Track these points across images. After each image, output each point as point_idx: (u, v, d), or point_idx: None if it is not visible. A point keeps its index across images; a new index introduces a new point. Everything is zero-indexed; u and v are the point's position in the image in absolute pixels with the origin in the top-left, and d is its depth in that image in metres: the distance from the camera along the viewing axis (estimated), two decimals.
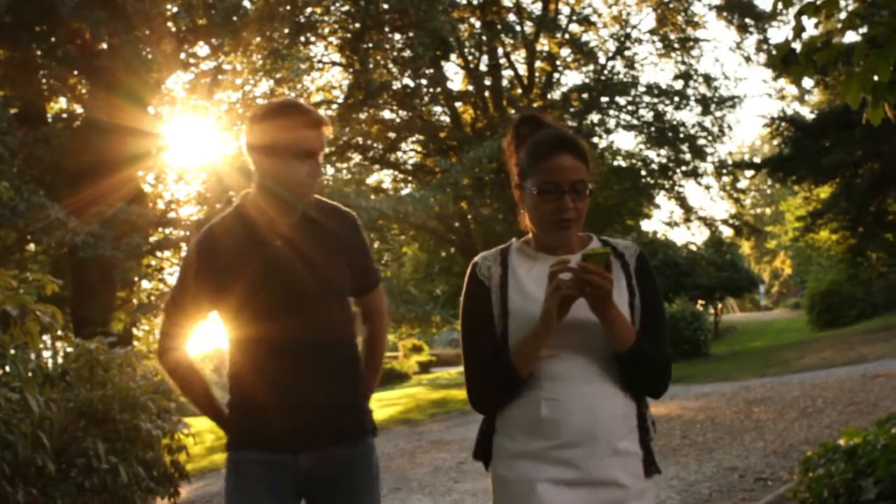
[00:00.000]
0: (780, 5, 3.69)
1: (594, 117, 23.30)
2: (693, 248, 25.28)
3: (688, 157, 23.48)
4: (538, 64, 23.13)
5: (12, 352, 3.64)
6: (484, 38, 21.86)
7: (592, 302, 1.95)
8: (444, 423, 12.92)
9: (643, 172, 23.89)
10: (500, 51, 22.64)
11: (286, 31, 17.05)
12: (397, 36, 20.37)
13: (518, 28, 22.50)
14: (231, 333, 2.43)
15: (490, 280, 2.09)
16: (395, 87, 21.27)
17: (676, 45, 23.36)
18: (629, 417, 2.03)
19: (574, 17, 22.83)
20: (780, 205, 42.03)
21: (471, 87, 22.83)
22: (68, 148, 13.24)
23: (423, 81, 21.22)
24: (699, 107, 23.47)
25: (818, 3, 3.56)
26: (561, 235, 2.05)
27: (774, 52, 19.94)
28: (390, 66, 21.08)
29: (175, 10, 14.41)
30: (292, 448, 2.34)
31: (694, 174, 23.67)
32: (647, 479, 2.04)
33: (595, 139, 22.90)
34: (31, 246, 14.95)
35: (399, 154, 23.73)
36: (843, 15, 3.80)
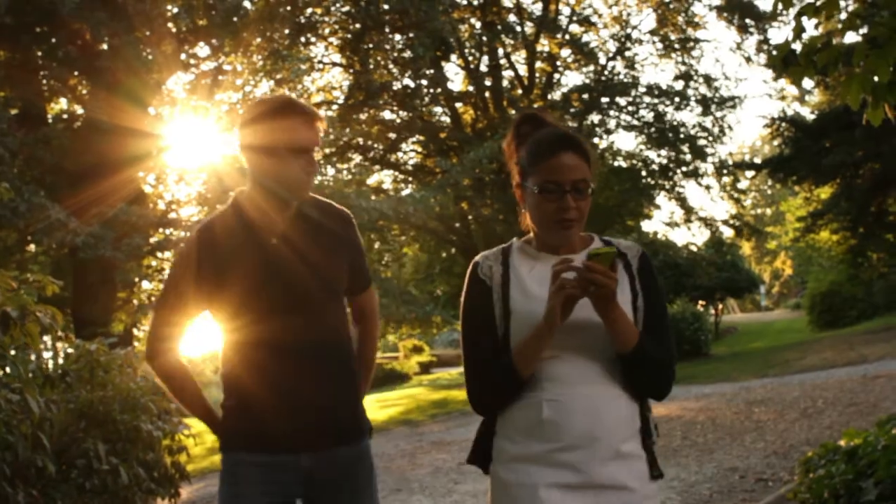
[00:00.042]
0: (780, 6, 3.69)
1: (594, 118, 23.30)
2: (694, 248, 25.31)
3: (688, 157, 23.47)
4: (538, 64, 23.13)
5: (13, 353, 3.63)
6: (484, 38, 21.86)
7: (596, 302, 1.92)
8: (444, 423, 12.92)
9: (643, 173, 23.88)
10: (501, 51, 22.64)
11: (286, 31, 17.07)
12: (398, 36, 20.39)
13: (518, 28, 22.50)
14: (228, 334, 2.38)
15: (491, 279, 2.07)
16: (395, 88, 21.28)
17: (677, 46, 23.36)
18: (632, 420, 2.01)
19: (574, 18, 22.83)
20: (781, 205, 42.05)
21: (471, 88, 22.83)
22: (69, 149, 13.24)
23: (424, 82, 21.22)
24: (699, 107, 23.47)
25: (818, 3, 3.56)
26: (563, 235, 2.03)
27: (775, 53, 19.90)
28: (391, 66, 21.09)
29: (175, 10, 14.41)
30: (293, 449, 2.31)
31: (694, 175, 23.66)
32: (651, 483, 2.02)
33: (595, 140, 22.89)
34: (32, 247, 14.96)
35: (399, 155, 23.75)
36: (843, 16, 3.80)
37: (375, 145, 22.30)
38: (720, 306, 28.12)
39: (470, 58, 22.40)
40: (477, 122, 22.65)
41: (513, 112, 21.06)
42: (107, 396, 5.18)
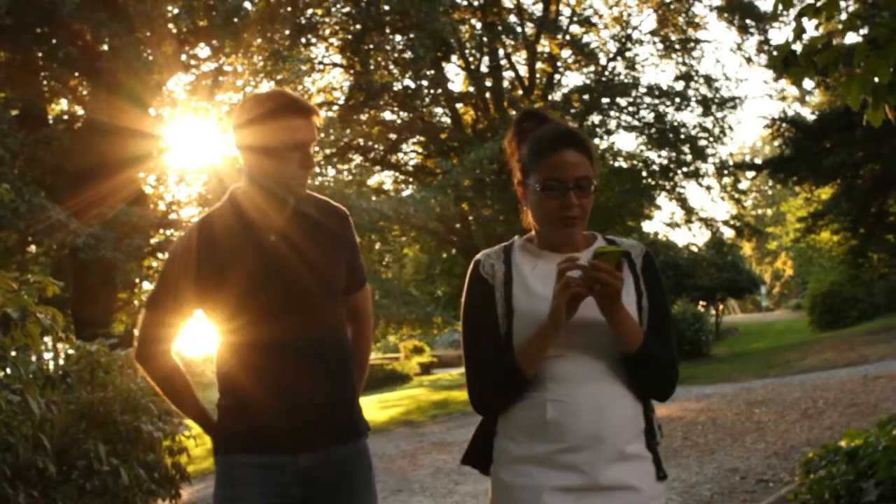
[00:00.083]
0: (780, 6, 3.69)
1: (595, 118, 23.30)
2: (694, 249, 25.32)
3: (689, 158, 23.46)
4: (539, 65, 23.14)
5: (13, 354, 3.63)
6: (485, 39, 21.87)
7: (602, 301, 1.90)
8: (445, 424, 12.92)
9: (644, 173, 23.87)
10: (501, 52, 22.65)
11: (287, 32, 17.09)
12: (398, 37, 20.40)
13: (519, 29, 22.51)
14: (224, 333, 2.34)
15: (494, 278, 2.04)
16: (395, 89, 21.29)
17: (677, 46, 23.36)
18: (637, 420, 1.98)
19: (575, 19, 22.84)
20: (782, 206, 42.05)
21: (472, 89, 22.83)
22: (69, 149, 13.25)
23: (424, 83, 21.23)
24: (700, 108, 23.47)
25: (819, 4, 3.56)
26: (566, 233, 2.01)
27: (775, 54, 19.95)
28: (391, 67, 21.10)
29: (176, 11, 14.43)
30: (292, 449, 2.28)
31: (695, 175, 23.66)
32: (658, 483, 2.00)
33: (596, 140, 22.88)
34: (32, 248, 14.97)
35: (400, 155, 23.75)
36: (843, 16, 3.80)
37: (376, 146, 22.30)
38: (721, 307, 28.13)
39: (470, 58, 22.41)
40: (477, 123, 22.65)
41: (513, 113, 21.06)
42: (107, 397, 5.19)
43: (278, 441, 2.28)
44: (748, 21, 22.49)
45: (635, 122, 23.64)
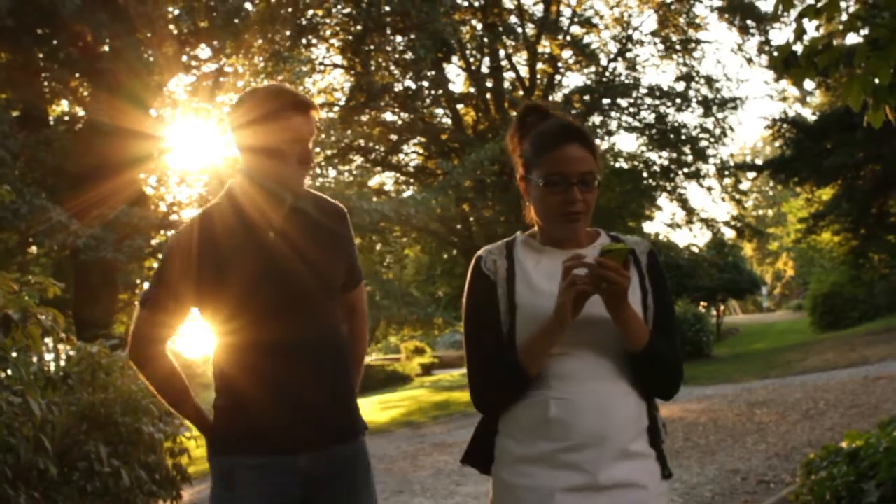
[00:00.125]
0: (781, 7, 3.69)
1: (596, 119, 23.29)
2: (695, 249, 25.31)
3: (689, 158, 23.46)
4: (540, 66, 23.14)
5: (14, 355, 3.63)
6: (485, 39, 21.87)
7: (608, 300, 1.86)
8: (446, 425, 12.91)
9: (645, 174, 23.87)
10: (502, 53, 22.65)
11: (288, 33, 17.10)
12: (399, 38, 20.41)
13: (520, 30, 22.51)
14: (222, 333, 2.31)
15: (496, 274, 2.00)
16: (396, 90, 21.30)
17: (678, 47, 23.36)
18: (641, 418, 1.95)
19: (575, 19, 22.84)
20: (782, 206, 42.08)
21: (472, 89, 22.84)
22: (70, 150, 13.25)
23: (425, 83, 21.24)
24: (701, 108, 23.46)
25: (819, 5, 3.56)
26: (569, 228, 1.97)
27: (776, 54, 19.93)
28: (392, 68, 21.11)
29: (177, 12, 14.45)
30: (292, 449, 2.27)
31: (696, 176, 23.66)
32: (663, 482, 1.98)
33: (597, 141, 22.84)
34: (33, 249, 14.98)
35: (401, 156, 23.76)
36: (844, 17, 3.80)
37: (377, 147, 22.31)
38: (722, 307, 28.12)
39: (471, 59, 22.42)
40: (478, 124, 22.66)
41: (514, 113, 21.04)
42: (108, 399, 5.19)
43: (279, 441, 2.26)
44: (749, 22, 22.49)
45: (636, 123, 23.65)
